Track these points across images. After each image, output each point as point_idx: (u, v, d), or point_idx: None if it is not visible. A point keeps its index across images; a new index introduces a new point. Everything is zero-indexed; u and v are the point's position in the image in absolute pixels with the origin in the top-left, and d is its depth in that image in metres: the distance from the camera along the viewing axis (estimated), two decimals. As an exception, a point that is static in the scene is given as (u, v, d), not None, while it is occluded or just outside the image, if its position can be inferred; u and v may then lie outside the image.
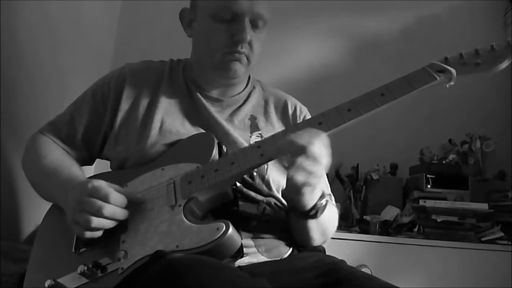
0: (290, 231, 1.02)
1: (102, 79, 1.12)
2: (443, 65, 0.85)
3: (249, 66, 1.03)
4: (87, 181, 0.87)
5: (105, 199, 0.82)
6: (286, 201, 0.91)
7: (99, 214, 0.82)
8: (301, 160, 0.78)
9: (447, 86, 0.85)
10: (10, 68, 1.33)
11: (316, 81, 2.27)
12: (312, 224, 0.94)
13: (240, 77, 1.05)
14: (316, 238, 0.99)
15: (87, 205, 0.82)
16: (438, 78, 0.84)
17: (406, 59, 2.20)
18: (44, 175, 1.00)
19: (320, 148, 0.79)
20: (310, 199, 0.87)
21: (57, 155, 1.04)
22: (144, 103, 1.05)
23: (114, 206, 0.83)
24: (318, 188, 0.87)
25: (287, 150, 0.81)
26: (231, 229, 0.77)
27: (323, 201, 0.90)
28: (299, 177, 0.78)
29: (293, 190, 0.83)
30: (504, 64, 0.84)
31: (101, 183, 0.85)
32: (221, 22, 0.99)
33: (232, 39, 0.99)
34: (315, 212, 0.89)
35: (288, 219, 1.04)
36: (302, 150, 0.78)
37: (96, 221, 0.82)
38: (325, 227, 0.99)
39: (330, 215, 1.00)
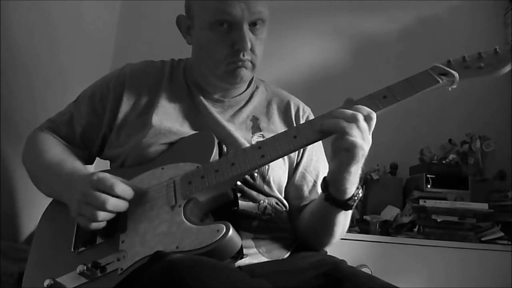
0: (306, 232, 1.01)
1: (102, 79, 1.11)
2: (446, 68, 0.84)
3: (254, 69, 1.03)
4: (92, 173, 0.88)
5: (110, 191, 0.83)
6: (330, 185, 0.89)
7: (103, 207, 0.82)
8: (357, 131, 0.79)
9: (450, 89, 0.85)
10: (10, 68, 1.33)
11: (316, 81, 2.26)
12: (340, 217, 0.93)
13: (246, 81, 1.06)
14: (336, 237, 0.99)
15: (92, 198, 0.83)
16: (441, 81, 0.84)
17: (406, 59, 2.20)
18: (46, 169, 1.00)
19: (368, 126, 0.81)
20: (353, 181, 0.86)
21: (59, 150, 1.04)
22: (144, 103, 1.05)
23: (117, 199, 0.84)
24: (358, 173, 0.87)
25: (341, 123, 0.80)
26: (231, 231, 0.77)
27: (360, 192, 0.90)
28: (359, 151, 0.79)
29: (343, 165, 0.82)
30: (507, 68, 0.83)
31: (106, 175, 0.86)
32: (220, 31, 0.97)
33: (233, 48, 0.97)
34: (353, 202, 0.89)
35: (292, 218, 1.03)
36: (354, 119, 0.79)
37: (101, 215, 0.83)
38: (347, 224, 0.99)
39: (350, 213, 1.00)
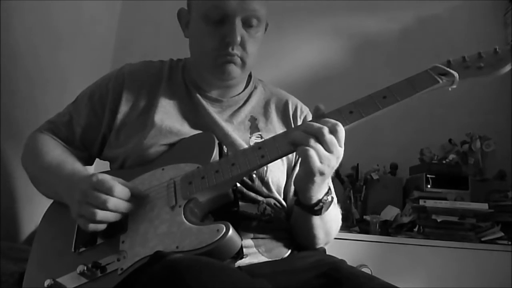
0: (294, 232, 1.02)
1: (101, 80, 1.11)
2: (446, 68, 0.84)
3: (245, 67, 1.02)
4: (92, 174, 0.88)
5: (109, 192, 0.83)
6: (296, 190, 0.91)
7: (103, 207, 0.82)
8: (317, 144, 0.78)
9: (450, 89, 0.85)
10: (10, 68, 1.33)
11: (316, 81, 2.27)
12: (316, 221, 0.93)
13: (236, 78, 1.04)
14: (321, 237, 0.99)
15: (92, 198, 0.83)
16: (440, 82, 0.84)
17: (406, 59, 2.20)
18: (46, 170, 1.00)
19: (335, 138, 0.80)
20: (318, 190, 0.86)
21: (59, 152, 1.04)
22: (143, 104, 1.05)
23: (118, 199, 0.84)
24: (326, 182, 0.87)
25: (302, 136, 0.79)
26: (231, 231, 0.77)
27: (329, 197, 0.90)
28: (315, 162, 0.78)
29: (306, 175, 0.82)
30: (507, 68, 0.83)
31: (106, 176, 0.86)
32: (212, 23, 0.98)
33: (222, 41, 0.98)
34: (320, 207, 0.89)
35: (290, 218, 1.04)
36: (318, 132, 0.78)
37: (101, 214, 0.83)
38: (329, 226, 0.99)
39: (334, 215, 1.00)
